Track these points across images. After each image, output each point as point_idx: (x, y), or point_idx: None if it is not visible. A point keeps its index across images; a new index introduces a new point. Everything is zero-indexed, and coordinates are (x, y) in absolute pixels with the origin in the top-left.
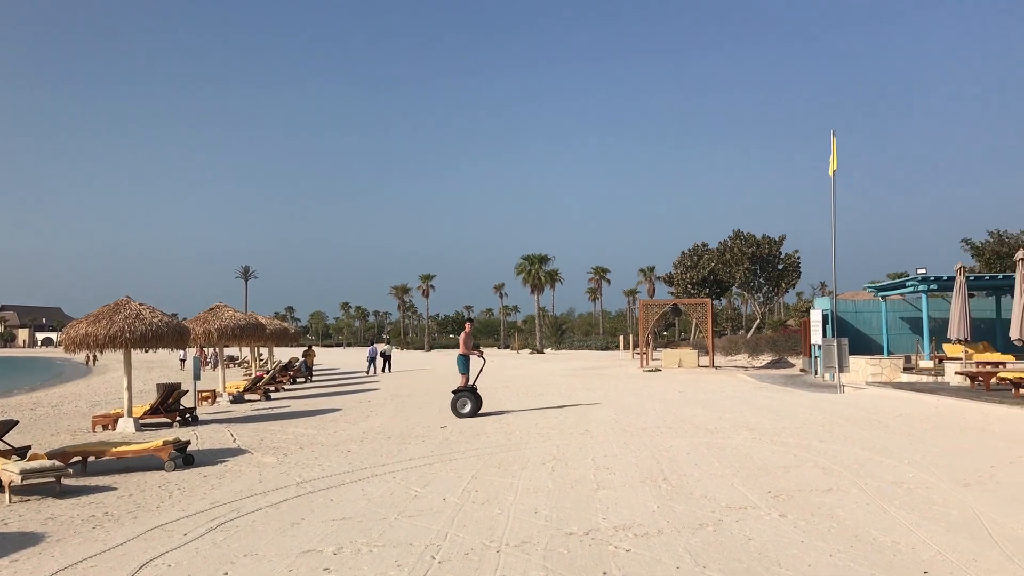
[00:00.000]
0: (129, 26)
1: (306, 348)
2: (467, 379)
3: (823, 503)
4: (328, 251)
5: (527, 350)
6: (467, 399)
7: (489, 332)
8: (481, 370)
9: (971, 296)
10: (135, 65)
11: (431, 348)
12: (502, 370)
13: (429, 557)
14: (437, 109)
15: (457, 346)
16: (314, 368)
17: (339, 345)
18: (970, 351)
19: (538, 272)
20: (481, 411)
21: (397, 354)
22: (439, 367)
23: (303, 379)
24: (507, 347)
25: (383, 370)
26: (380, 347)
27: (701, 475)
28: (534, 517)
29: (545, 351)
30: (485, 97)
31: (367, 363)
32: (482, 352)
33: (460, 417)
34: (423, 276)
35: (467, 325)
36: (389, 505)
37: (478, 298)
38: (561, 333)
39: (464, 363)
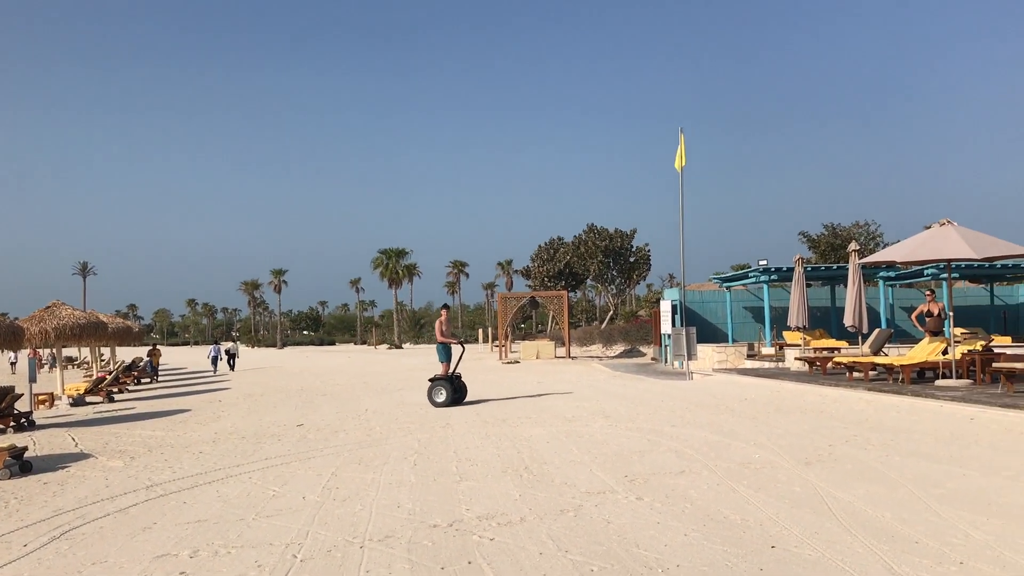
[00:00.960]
0: None
1: (151, 347)
2: (447, 368)
3: (677, 485)
4: (172, 246)
5: (385, 345)
6: (443, 387)
7: (345, 328)
8: (460, 358)
9: (808, 286)
10: None
11: (284, 345)
12: (360, 366)
13: (291, 556)
14: (298, 103)
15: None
16: (160, 368)
17: (186, 343)
18: (808, 338)
19: (396, 266)
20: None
21: (249, 352)
22: (293, 365)
23: (148, 379)
24: (364, 343)
25: (230, 368)
26: (225, 345)
27: (561, 463)
28: (397, 511)
29: (404, 346)
30: (345, 94)
31: (211, 362)
32: (461, 340)
33: (436, 406)
34: (275, 271)
35: (443, 312)
36: (246, 506)
37: (334, 293)
38: (420, 327)
39: (443, 351)
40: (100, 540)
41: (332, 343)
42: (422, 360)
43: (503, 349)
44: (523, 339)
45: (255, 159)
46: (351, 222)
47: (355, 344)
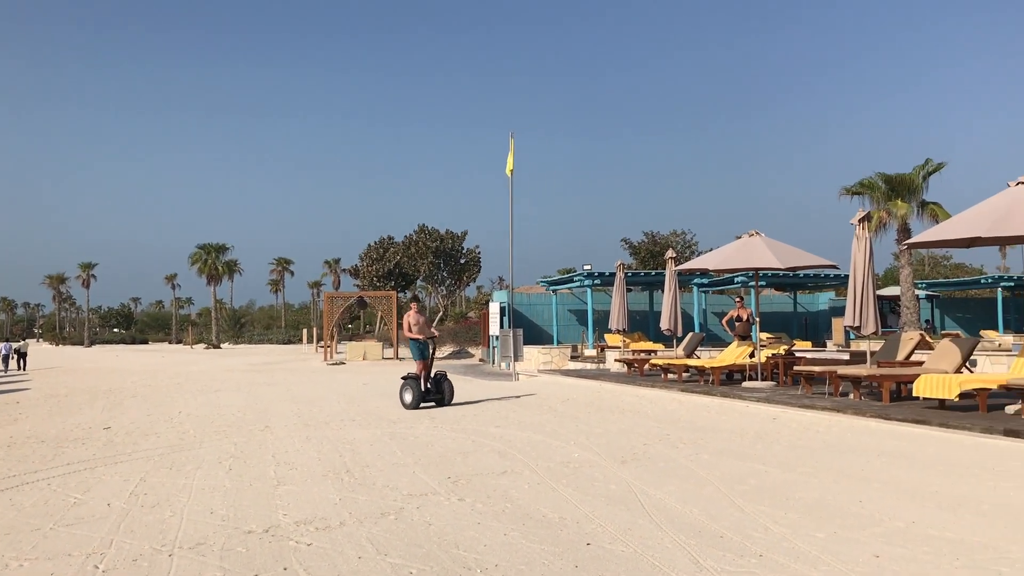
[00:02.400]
0: None
1: None
2: (424, 365)
3: (498, 485)
4: None
5: (202, 345)
6: (410, 387)
7: (160, 326)
8: (433, 355)
9: (629, 290)
10: None
11: (93, 344)
12: (176, 367)
13: (92, 567)
14: (112, 89)
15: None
16: None
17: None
18: (627, 340)
19: (215, 262)
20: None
21: (53, 351)
22: (102, 364)
23: None
24: (180, 342)
25: (20, 368)
26: (15, 344)
27: (384, 465)
28: (210, 517)
29: (223, 346)
30: (174, 85)
31: (1, 360)
32: (433, 336)
33: (404, 407)
34: (83, 264)
35: (412, 305)
36: (43, 515)
37: (148, 289)
38: (240, 327)
39: (416, 348)
40: None
41: (145, 342)
42: (241, 360)
43: (328, 350)
44: (350, 340)
45: (57, 141)
46: (168, 214)
47: (170, 343)
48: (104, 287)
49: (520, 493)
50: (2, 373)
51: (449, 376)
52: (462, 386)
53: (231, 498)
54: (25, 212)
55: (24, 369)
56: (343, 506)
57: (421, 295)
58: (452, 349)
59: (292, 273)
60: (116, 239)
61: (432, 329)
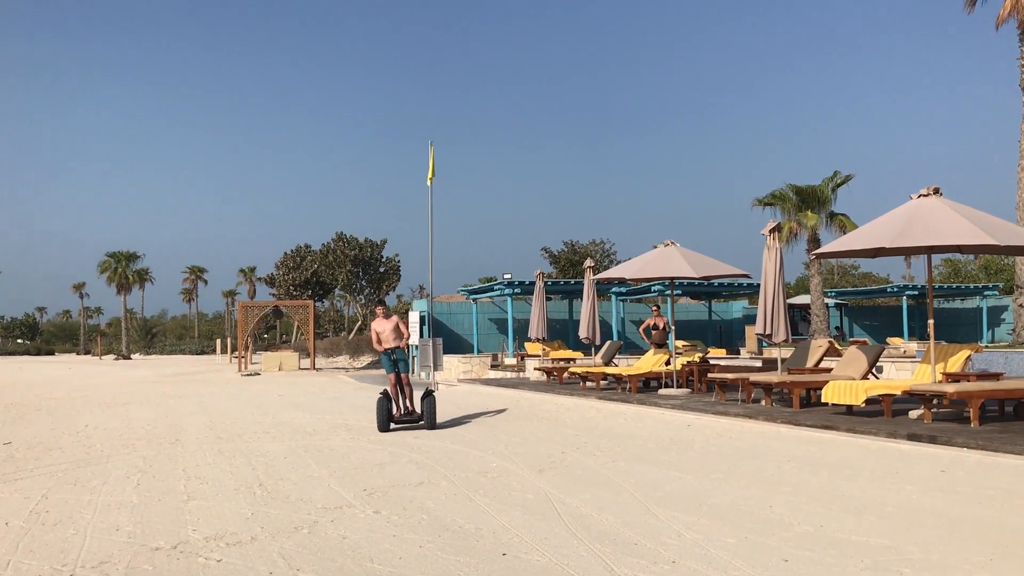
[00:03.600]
0: None
1: None
2: (394, 379)
3: (415, 496)
4: None
5: (112, 356)
6: (378, 406)
7: (67, 336)
8: (399, 368)
9: (549, 299)
10: None
11: None
12: (84, 378)
13: None
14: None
15: None
16: None
17: None
18: (547, 349)
19: (125, 271)
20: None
21: None
22: (5, 375)
23: None
24: (88, 352)
25: None
26: None
27: (298, 478)
28: (116, 534)
29: (133, 356)
30: (85, 93)
31: None
32: (398, 346)
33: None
34: None
35: (379, 309)
36: None
37: (53, 298)
38: (151, 337)
39: (386, 361)
40: None
41: (51, 352)
42: (152, 372)
43: (243, 360)
44: (266, 350)
45: None
46: (75, 221)
47: (78, 354)
48: (6, 296)
49: (437, 504)
50: None
51: (367, 386)
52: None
53: (138, 514)
54: None
55: None
56: (255, 520)
57: (339, 304)
58: (371, 359)
59: (206, 282)
60: (20, 246)
61: (400, 330)
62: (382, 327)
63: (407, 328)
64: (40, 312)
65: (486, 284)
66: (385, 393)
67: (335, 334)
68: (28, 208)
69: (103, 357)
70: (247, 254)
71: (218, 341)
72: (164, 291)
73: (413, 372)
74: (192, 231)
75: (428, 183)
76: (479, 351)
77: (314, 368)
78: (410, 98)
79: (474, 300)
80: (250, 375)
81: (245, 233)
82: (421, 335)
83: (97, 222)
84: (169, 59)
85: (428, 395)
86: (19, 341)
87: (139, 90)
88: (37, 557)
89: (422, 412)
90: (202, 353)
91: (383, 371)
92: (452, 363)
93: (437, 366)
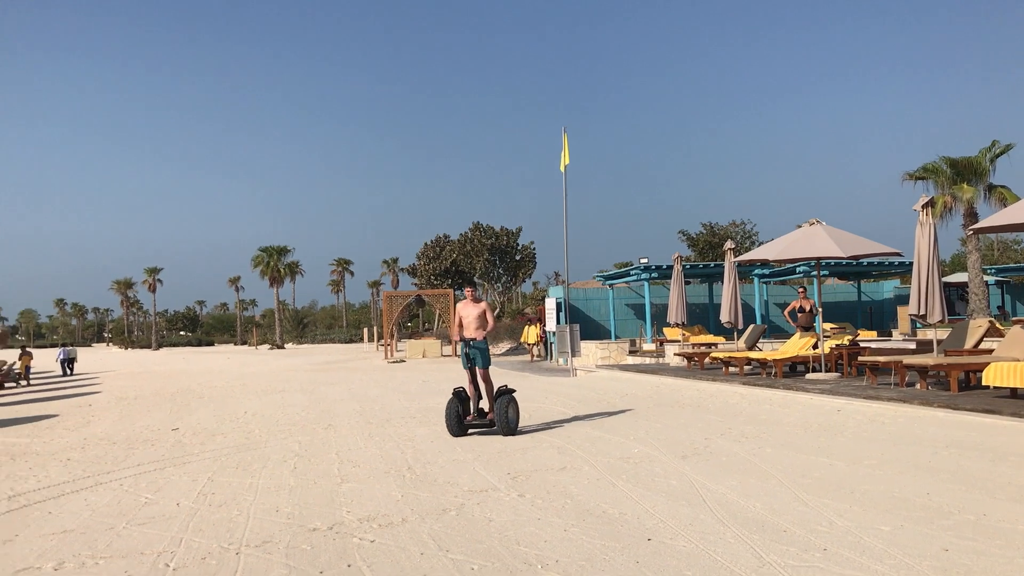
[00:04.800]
0: None
1: (21, 350)
2: (471, 376)
3: (558, 481)
4: (38, 242)
5: (266, 345)
6: (449, 405)
7: (225, 327)
8: (473, 362)
9: (687, 283)
10: None
11: (160, 346)
12: (241, 367)
13: (162, 565)
14: (168, 98)
15: None
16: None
17: (54, 345)
18: (687, 334)
19: (277, 264)
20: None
21: (122, 354)
22: (169, 366)
23: (14, 384)
24: (245, 343)
25: (68, 373)
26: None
27: (444, 462)
28: (276, 515)
29: (286, 346)
30: (220, 92)
31: (60, 365)
32: (490, 326)
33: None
34: (149, 269)
35: (467, 291)
36: (116, 514)
37: (212, 292)
38: (303, 327)
39: (463, 352)
40: None
41: (211, 343)
42: (304, 360)
43: (388, 348)
44: (409, 338)
45: (124, 149)
46: (230, 218)
47: (235, 344)
48: (170, 291)
49: (580, 489)
50: (64, 376)
51: (506, 372)
52: (518, 382)
53: (296, 496)
54: (91, 219)
55: (71, 374)
56: (405, 503)
57: (478, 292)
58: (510, 346)
59: (352, 273)
60: (181, 244)
61: (485, 318)
62: (467, 312)
63: (493, 318)
64: (200, 305)
65: (622, 269)
66: (457, 392)
67: None
68: (187, 207)
69: (258, 347)
70: (390, 246)
71: (365, 330)
72: (313, 283)
73: (551, 357)
74: (338, 225)
75: (562, 169)
76: (616, 337)
77: (455, 354)
78: (546, 86)
79: (610, 286)
80: (396, 362)
81: (388, 225)
82: (558, 322)
83: (251, 219)
84: (317, 57)
85: (503, 394)
86: (181, 333)
87: (293, 89)
88: (206, 536)
89: (498, 417)
90: (350, 342)
91: (519, 357)
92: (590, 349)
93: (575, 352)
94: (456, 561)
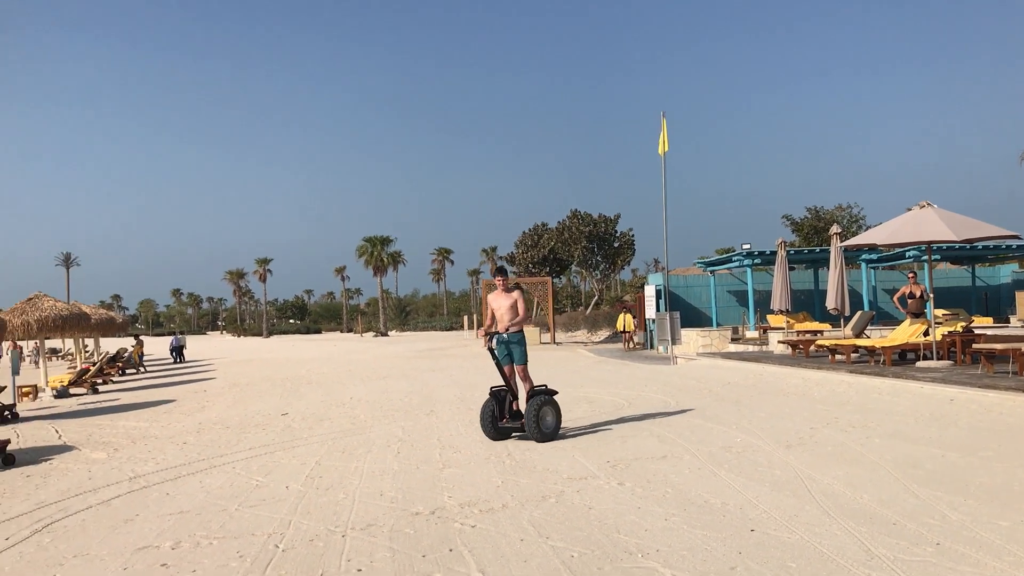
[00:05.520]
0: None
1: (135, 338)
2: (523, 371)
3: (658, 470)
4: (157, 235)
5: (371, 333)
6: (483, 408)
7: (331, 316)
8: (513, 359)
9: (791, 269)
10: None
11: (270, 334)
12: (347, 354)
13: (272, 546)
14: (280, 94)
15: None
16: (146, 358)
17: (171, 334)
18: (791, 321)
19: (380, 254)
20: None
21: (235, 342)
22: (279, 353)
23: (134, 370)
24: (350, 331)
25: (177, 360)
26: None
27: (544, 449)
28: (380, 499)
29: (389, 333)
30: (330, 85)
31: (173, 352)
32: (521, 316)
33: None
34: (259, 260)
35: (498, 279)
36: (229, 496)
37: (319, 281)
38: (405, 315)
39: (523, 343)
40: (82, 533)
41: (318, 331)
42: (406, 347)
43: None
44: None
45: (238, 149)
46: (335, 210)
47: (341, 332)
48: (279, 281)
49: (681, 478)
50: (177, 363)
51: (606, 360)
52: (618, 370)
53: (399, 481)
54: (206, 213)
55: (181, 361)
56: (505, 489)
57: (575, 280)
58: (608, 333)
59: (452, 262)
60: (289, 236)
61: (516, 309)
62: (499, 303)
63: (525, 308)
64: (307, 294)
65: (723, 255)
66: (495, 392)
67: (572, 309)
68: (293, 200)
69: (363, 334)
70: (488, 234)
71: (465, 317)
72: (415, 272)
73: (651, 346)
74: (438, 215)
75: (661, 154)
76: (718, 324)
77: (554, 342)
78: (641, 72)
79: (711, 272)
80: None
81: (486, 214)
82: (657, 309)
83: (355, 210)
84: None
85: (536, 395)
86: (290, 321)
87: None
88: (313, 518)
89: (530, 421)
90: (451, 329)
91: (618, 345)
92: (691, 337)
93: (675, 339)
94: (556, 548)
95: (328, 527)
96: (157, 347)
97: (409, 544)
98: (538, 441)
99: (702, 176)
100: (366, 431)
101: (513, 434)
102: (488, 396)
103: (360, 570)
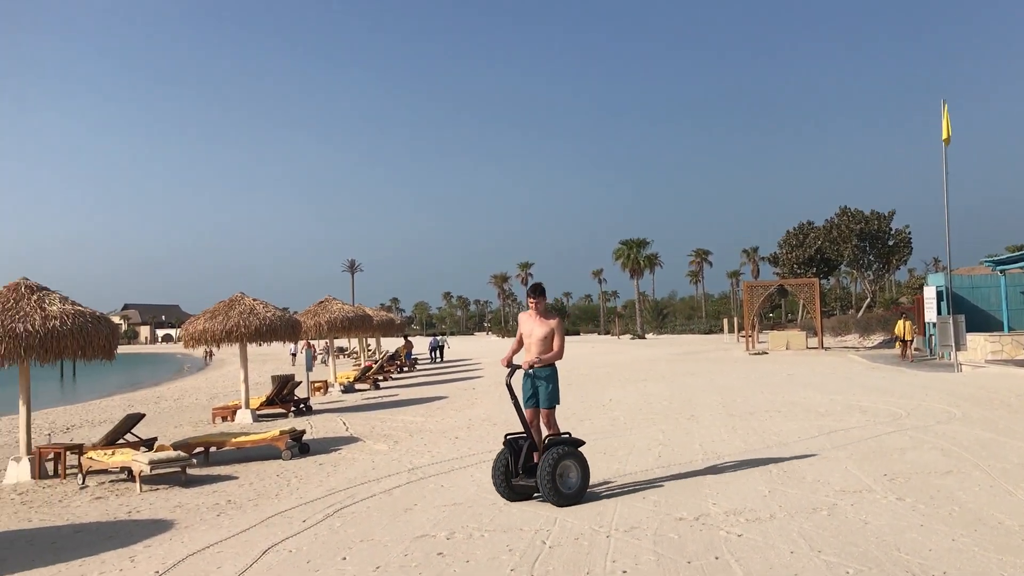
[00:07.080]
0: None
1: (404, 338)
2: (549, 417)
3: (943, 485)
4: (429, 242)
5: (628, 335)
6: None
7: (589, 318)
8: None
9: None
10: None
11: None
12: (604, 356)
13: (539, 542)
14: (530, 99)
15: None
16: (417, 357)
17: (443, 334)
18: None
19: (637, 256)
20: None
21: (501, 343)
22: None
23: (408, 368)
24: (607, 333)
25: (436, 360)
26: (439, 339)
27: (812, 458)
28: (642, 502)
29: (646, 336)
30: (572, 88)
31: (430, 352)
32: (555, 351)
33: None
34: (521, 264)
35: (531, 300)
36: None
37: (576, 284)
38: (662, 317)
39: (552, 381)
40: (367, 519)
41: (576, 333)
42: (664, 350)
43: (750, 340)
44: (771, 329)
45: (500, 159)
46: (591, 213)
47: (598, 334)
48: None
49: (969, 495)
50: (431, 364)
51: (879, 366)
52: (894, 377)
53: (661, 485)
54: (473, 220)
55: (440, 360)
56: (772, 498)
57: (845, 281)
58: (882, 338)
59: (710, 264)
60: (548, 240)
61: (551, 341)
62: (530, 329)
63: (560, 343)
64: (566, 297)
65: (1017, 253)
66: (509, 441)
67: (842, 312)
68: (551, 204)
69: (620, 337)
70: (749, 235)
71: (724, 320)
72: (672, 274)
73: (931, 352)
74: (696, 215)
75: (943, 143)
76: (1010, 329)
77: (822, 347)
78: (924, 55)
79: (1002, 271)
80: (757, 354)
81: (747, 214)
82: (938, 312)
83: (611, 212)
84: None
85: (555, 445)
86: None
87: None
88: (578, 517)
89: (545, 479)
90: (709, 332)
91: (893, 350)
92: (977, 342)
93: (959, 345)
94: (829, 563)
95: (592, 527)
96: (418, 347)
97: (673, 549)
98: (556, 505)
99: (990, 166)
100: (626, 433)
101: (534, 495)
102: (504, 446)
103: (625, 572)
